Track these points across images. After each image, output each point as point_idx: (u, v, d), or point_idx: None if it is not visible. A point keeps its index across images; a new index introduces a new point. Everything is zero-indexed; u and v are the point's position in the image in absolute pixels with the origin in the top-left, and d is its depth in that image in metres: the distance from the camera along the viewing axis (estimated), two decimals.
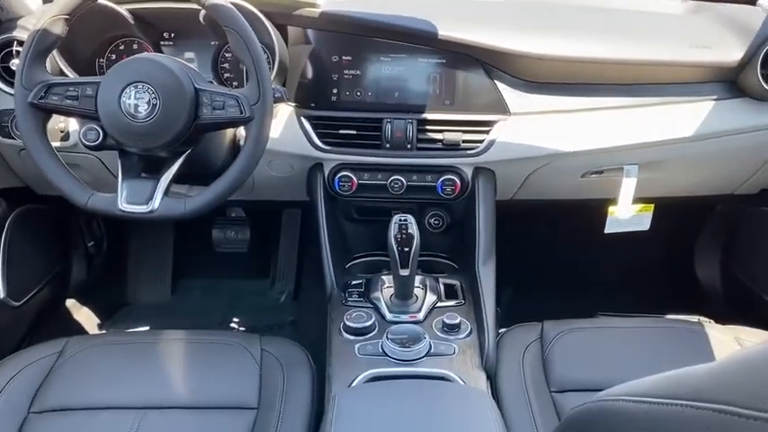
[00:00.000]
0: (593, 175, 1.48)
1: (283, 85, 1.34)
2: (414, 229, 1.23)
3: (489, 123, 1.35)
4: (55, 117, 1.17)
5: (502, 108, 1.34)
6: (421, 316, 1.30)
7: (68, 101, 1.08)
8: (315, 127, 1.37)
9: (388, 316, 1.30)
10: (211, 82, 1.32)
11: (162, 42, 1.42)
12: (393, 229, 1.23)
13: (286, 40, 1.35)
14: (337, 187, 1.42)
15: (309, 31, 1.37)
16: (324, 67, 1.36)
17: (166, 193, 1.10)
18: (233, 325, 2.10)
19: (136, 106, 1.05)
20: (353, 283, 1.42)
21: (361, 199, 1.47)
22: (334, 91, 1.37)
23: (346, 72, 1.36)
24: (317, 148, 1.38)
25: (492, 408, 1.00)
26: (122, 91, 1.05)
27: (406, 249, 1.23)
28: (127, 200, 1.09)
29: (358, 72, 1.36)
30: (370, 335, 1.24)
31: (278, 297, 2.21)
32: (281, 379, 1.19)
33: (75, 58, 1.34)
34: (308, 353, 1.27)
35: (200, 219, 1.15)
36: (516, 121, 1.35)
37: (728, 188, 1.65)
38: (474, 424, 0.96)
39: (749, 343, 1.29)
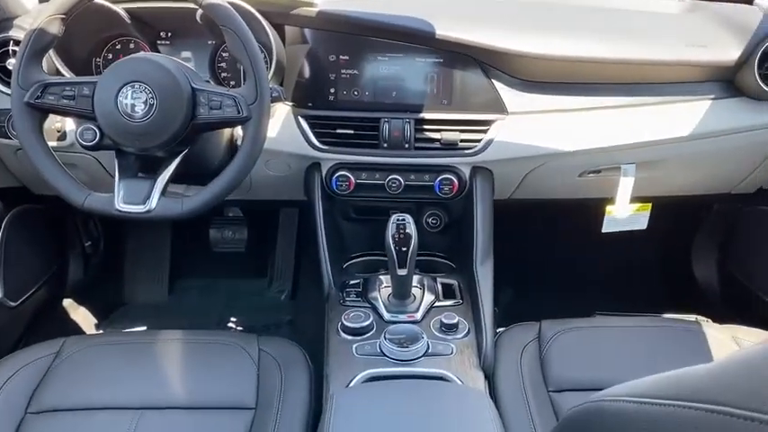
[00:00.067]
0: (591, 175, 1.49)
1: (281, 85, 1.34)
2: (411, 228, 1.23)
3: (487, 123, 1.35)
4: (51, 117, 1.17)
5: (499, 107, 1.34)
6: (419, 316, 1.30)
7: (65, 100, 1.07)
8: (312, 126, 1.37)
9: (386, 316, 1.30)
10: (208, 81, 1.32)
11: (159, 42, 1.41)
12: (391, 229, 1.23)
13: (283, 39, 1.35)
14: (335, 187, 1.42)
15: (307, 31, 1.36)
16: (321, 67, 1.36)
17: (163, 192, 1.10)
18: (230, 325, 2.10)
19: (133, 106, 1.05)
20: (351, 282, 1.42)
21: (359, 198, 1.47)
22: (332, 90, 1.36)
23: (344, 71, 1.36)
24: (314, 147, 1.38)
25: (490, 407, 1.00)
26: (119, 91, 1.05)
27: (404, 249, 1.23)
28: (124, 200, 1.09)
29: (355, 71, 1.36)
30: (368, 335, 1.24)
31: (275, 297, 2.21)
32: (279, 379, 1.19)
33: (71, 57, 1.33)
34: (305, 353, 1.27)
35: (197, 218, 1.15)
36: (514, 121, 1.35)
37: (726, 187, 1.65)
38: (472, 424, 0.96)
39: (746, 342, 1.29)
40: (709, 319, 1.59)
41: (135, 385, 1.17)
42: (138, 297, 2.20)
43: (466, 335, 1.26)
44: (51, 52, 1.24)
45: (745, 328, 1.34)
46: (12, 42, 1.29)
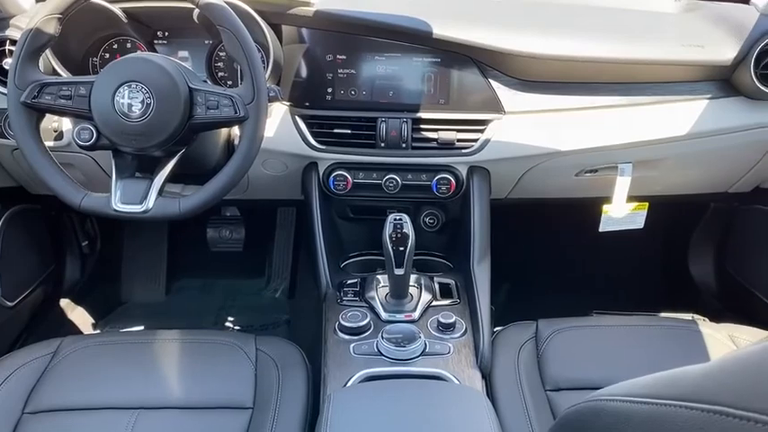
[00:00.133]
0: (588, 174, 1.49)
1: (278, 85, 1.34)
2: (409, 228, 1.23)
3: (484, 122, 1.35)
4: (48, 116, 1.16)
5: (496, 107, 1.34)
6: (416, 315, 1.30)
7: (62, 100, 1.07)
8: (309, 126, 1.37)
9: (384, 315, 1.30)
10: (205, 81, 1.31)
11: (156, 41, 1.41)
12: (388, 228, 1.23)
13: (280, 39, 1.35)
14: (332, 186, 1.42)
15: (304, 31, 1.36)
16: (318, 67, 1.36)
17: (161, 192, 1.10)
18: (228, 324, 2.10)
19: (129, 106, 1.05)
20: (348, 282, 1.42)
21: (356, 198, 1.47)
22: (329, 90, 1.36)
23: (341, 71, 1.36)
24: (311, 147, 1.38)
25: (487, 407, 1.00)
26: (116, 90, 1.05)
27: (401, 248, 1.23)
28: (121, 200, 1.09)
29: (352, 71, 1.36)
30: (366, 334, 1.24)
31: (273, 296, 2.21)
32: (277, 378, 1.19)
33: (68, 57, 1.33)
34: (303, 352, 1.27)
35: (194, 218, 1.15)
36: (511, 120, 1.35)
37: (722, 186, 1.65)
38: (469, 423, 0.96)
39: (743, 341, 1.30)
40: (706, 318, 1.60)
41: (132, 385, 1.17)
42: (136, 297, 2.19)
43: (463, 334, 1.26)
44: (48, 52, 1.24)
45: (742, 326, 1.35)
46: (8, 42, 1.29)
